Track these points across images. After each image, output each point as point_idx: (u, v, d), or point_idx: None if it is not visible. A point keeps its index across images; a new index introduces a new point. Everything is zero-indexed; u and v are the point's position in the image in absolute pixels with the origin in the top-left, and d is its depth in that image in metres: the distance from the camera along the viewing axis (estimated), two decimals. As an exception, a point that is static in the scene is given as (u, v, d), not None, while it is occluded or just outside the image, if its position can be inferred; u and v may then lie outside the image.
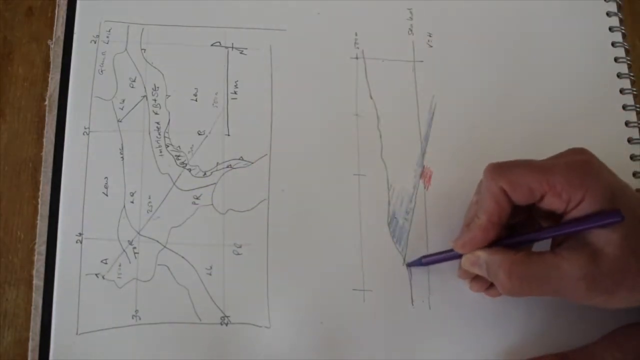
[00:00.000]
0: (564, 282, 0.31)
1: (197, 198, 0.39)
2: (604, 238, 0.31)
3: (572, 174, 0.31)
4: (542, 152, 0.34)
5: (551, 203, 0.32)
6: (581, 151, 0.33)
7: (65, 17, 0.41)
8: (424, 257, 0.38)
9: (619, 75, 0.43)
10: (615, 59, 0.43)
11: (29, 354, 0.36)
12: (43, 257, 0.38)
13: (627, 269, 0.31)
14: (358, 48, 0.42)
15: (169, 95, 0.41)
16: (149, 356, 0.36)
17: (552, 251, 0.32)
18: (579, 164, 0.32)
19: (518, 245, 0.34)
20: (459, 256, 0.36)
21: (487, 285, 0.36)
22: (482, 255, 0.34)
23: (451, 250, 0.36)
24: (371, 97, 0.41)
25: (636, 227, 0.31)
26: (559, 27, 0.44)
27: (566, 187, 0.31)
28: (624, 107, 0.42)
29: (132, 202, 0.39)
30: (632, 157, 0.41)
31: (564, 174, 0.31)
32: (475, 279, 0.37)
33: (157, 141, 0.40)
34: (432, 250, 0.38)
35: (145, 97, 0.40)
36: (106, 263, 0.38)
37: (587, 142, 0.33)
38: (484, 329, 0.38)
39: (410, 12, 0.43)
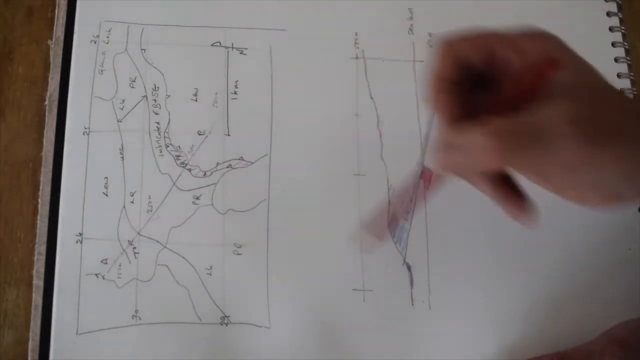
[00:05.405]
0: (552, 135, 0.27)
1: (197, 198, 0.39)
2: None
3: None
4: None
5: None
6: None
7: (65, 17, 0.41)
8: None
9: (619, 75, 0.43)
10: (615, 59, 0.43)
11: (29, 354, 0.36)
12: (43, 257, 0.38)
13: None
14: (358, 48, 0.42)
15: (169, 95, 0.41)
16: (149, 356, 0.36)
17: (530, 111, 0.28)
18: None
19: None
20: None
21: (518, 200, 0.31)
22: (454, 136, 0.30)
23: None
24: (371, 97, 0.41)
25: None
26: (559, 26, 0.44)
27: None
28: (624, 107, 0.42)
29: (132, 202, 0.39)
30: (632, 157, 0.41)
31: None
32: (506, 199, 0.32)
33: (157, 141, 0.40)
34: (432, 250, 0.38)
35: (145, 97, 0.40)
36: (106, 263, 0.38)
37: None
38: (484, 329, 0.38)
39: (410, 12, 0.43)
